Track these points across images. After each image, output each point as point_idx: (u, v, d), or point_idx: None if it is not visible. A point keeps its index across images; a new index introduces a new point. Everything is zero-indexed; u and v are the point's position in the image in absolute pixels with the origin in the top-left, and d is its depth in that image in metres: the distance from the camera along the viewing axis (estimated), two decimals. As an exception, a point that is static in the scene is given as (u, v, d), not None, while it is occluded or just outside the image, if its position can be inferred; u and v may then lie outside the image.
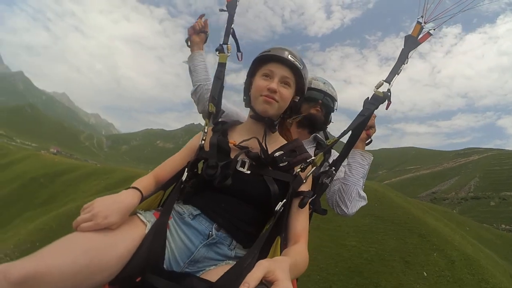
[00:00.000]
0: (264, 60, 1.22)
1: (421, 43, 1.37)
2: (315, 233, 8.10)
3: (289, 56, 1.19)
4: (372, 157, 1.61)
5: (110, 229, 0.90)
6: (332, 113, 1.86)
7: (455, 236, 8.67)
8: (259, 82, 1.19)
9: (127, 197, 0.98)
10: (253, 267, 0.68)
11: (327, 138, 1.82)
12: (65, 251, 0.81)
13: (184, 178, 1.16)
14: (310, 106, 1.77)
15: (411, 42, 1.36)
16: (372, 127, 1.59)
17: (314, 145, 1.75)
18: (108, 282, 0.89)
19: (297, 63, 1.20)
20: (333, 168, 1.29)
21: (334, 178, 1.61)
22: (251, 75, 1.28)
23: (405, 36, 1.40)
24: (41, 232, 10.21)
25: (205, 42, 1.73)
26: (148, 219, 1.02)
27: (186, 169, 1.17)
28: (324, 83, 1.82)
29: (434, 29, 1.40)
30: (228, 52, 1.48)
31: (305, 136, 1.80)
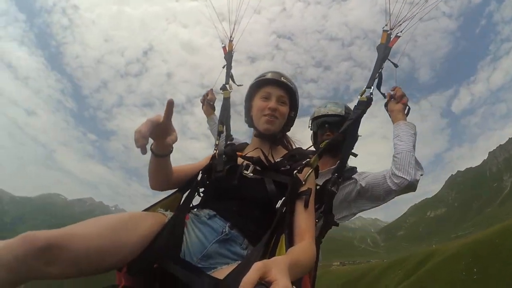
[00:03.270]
0: (260, 85, 1.40)
1: (391, 47, 1.51)
2: None
3: (282, 78, 1.36)
4: (416, 127, 1.60)
5: (133, 213, 1.04)
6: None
7: None
8: (260, 103, 1.36)
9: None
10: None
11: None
12: (91, 225, 0.90)
13: (199, 178, 1.35)
14: (321, 134, 1.92)
15: (383, 49, 1.50)
16: (403, 96, 1.62)
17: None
18: (127, 264, 0.96)
19: (289, 83, 1.38)
20: (336, 174, 1.35)
21: (374, 174, 1.64)
22: (249, 99, 1.46)
23: (376, 46, 1.54)
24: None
25: (213, 108, 2.20)
26: (169, 213, 1.16)
27: (201, 171, 1.38)
28: (325, 106, 1.98)
29: (401, 32, 1.53)
30: (230, 89, 1.81)
31: (329, 161, 1.84)
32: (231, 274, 0.88)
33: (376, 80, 1.51)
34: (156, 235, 1.02)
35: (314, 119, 1.99)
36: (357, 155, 1.63)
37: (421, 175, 1.49)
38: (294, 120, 1.49)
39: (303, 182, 1.21)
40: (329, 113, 1.90)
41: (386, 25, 1.52)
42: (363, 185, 1.66)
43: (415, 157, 1.50)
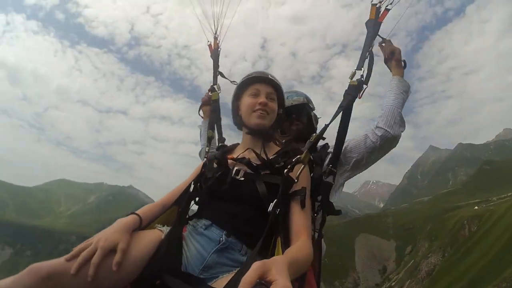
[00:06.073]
0: (247, 83, 1.42)
1: (381, 22, 1.47)
2: None
3: (269, 76, 1.41)
4: (409, 85, 1.58)
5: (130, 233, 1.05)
6: (314, 111, 2.00)
7: None
8: (249, 100, 1.38)
9: (121, 220, 1.10)
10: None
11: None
12: None
13: (191, 189, 1.36)
14: (290, 123, 1.93)
15: (372, 25, 1.47)
16: (392, 52, 1.59)
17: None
18: (129, 283, 1.00)
19: (276, 80, 1.42)
20: (331, 165, 1.38)
21: (352, 138, 1.64)
22: (237, 99, 1.46)
23: (365, 23, 1.48)
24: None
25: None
26: (166, 229, 1.18)
27: (192, 182, 1.39)
28: (287, 98, 1.86)
29: (391, 4, 1.46)
30: (218, 91, 1.86)
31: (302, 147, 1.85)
32: (230, 283, 0.92)
33: (367, 60, 1.47)
34: (155, 252, 1.07)
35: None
36: (325, 138, 1.52)
37: (402, 131, 1.50)
38: (282, 118, 1.48)
39: (296, 181, 1.20)
40: (294, 103, 1.93)
41: None
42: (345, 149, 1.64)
43: (401, 114, 1.51)
